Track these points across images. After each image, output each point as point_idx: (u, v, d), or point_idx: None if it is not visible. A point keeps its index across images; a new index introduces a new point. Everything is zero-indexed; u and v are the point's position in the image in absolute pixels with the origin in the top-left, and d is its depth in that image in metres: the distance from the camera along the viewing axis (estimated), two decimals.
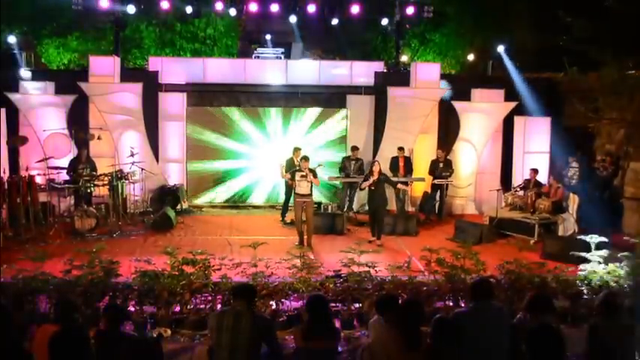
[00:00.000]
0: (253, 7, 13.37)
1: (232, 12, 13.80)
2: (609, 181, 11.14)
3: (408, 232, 10.10)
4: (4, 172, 9.80)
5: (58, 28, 14.44)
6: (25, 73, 12.04)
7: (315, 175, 9.17)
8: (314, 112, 12.66)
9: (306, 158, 9.31)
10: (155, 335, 5.46)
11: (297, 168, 9.37)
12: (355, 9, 13.47)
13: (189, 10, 13.56)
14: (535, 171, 10.77)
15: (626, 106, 10.73)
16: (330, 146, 12.72)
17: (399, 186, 10.40)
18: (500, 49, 13.85)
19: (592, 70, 11.31)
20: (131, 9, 13.00)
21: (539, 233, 9.64)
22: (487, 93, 12.24)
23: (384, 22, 14.05)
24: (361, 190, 9.92)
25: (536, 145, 12.45)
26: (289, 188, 10.19)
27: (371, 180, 9.29)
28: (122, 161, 11.11)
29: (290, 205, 10.58)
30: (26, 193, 9.53)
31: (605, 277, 6.52)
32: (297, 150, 10.64)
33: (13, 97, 11.45)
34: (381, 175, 9.36)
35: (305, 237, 9.14)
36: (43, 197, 10.10)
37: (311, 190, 9.19)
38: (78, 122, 11.52)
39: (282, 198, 11.44)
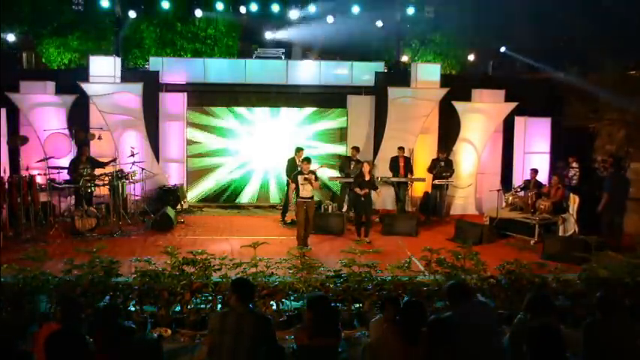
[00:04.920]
0: (254, 7, 13.40)
1: (242, 9, 13.78)
2: None
3: (408, 232, 10.09)
4: (5, 172, 9.80)
5: (59, 28, 14.45)
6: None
7: (316, 178, 9.15)
8: (314, 112, 12.68)
9: (307, 160, 9.25)
10: (155, 335, 5.46)
11: (299, 170, 9.35)
12: (355, 9, 13.50)
13: (198, 14, 13.62)
14: (535, 171, 10.76)
15: (626, 106, 10.73)
16: (330, 147, 12.74)
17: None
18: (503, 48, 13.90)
19: (592, 70, 11.31)
20: (132, 14, 13.07)
21: (539, 233, 9.63)
22: (487, 93, 12.24)
23: (379, 23, 14.06)
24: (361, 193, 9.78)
25: (536, 146, 12.47)
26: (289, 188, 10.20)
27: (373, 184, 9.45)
28: (122, 161, 11.11)
29: (291, 205, 10.58)
30: (27, 193, 9.54)
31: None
32: (299, 150, 10.64)
33: (14, 96, 11.46)
34: (370, 176, 9.46)
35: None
36: (43, 197, 10.10)
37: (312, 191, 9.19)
38: (78, 122, 11.54)
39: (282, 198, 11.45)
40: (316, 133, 12.67)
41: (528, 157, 12.36)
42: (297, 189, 9.13)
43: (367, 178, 9.50)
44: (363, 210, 9.61)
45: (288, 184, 10.42)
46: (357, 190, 9.53)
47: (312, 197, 9.14)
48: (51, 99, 11.70)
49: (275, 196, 12.58)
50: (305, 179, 8.98)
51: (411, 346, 3.89)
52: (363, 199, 9.54)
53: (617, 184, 9.82)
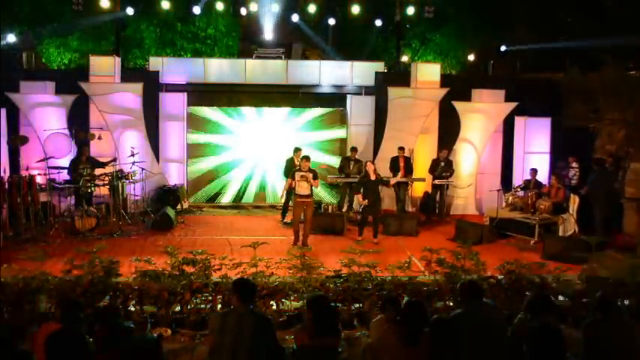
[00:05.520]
0: (254, 7, 13.40)
1: (243, 11, 13.76)
2: None
3: (408, 232, 10.09)
4: (5, 172, 9.80)
5: (59, 28, 14.44)
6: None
7: (315, 177, 9.12)
8: (314, 112, 12.69)
9: (307, 158, 9.22)
10: (155, 335, 5.45)
11: (298, 168, 9.35)
12: (355, 9, 13.51)
13: (196, 10, 13.56)
14: (535, 171, 10.77)
15: (626, 106, 10.73)
16: (330, 146, 12.76)
17: (393, 180, 10.29)
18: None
19: (592, 70, 11.31)
20: (130, 11, 13.07)
21: (539, 234, 9.63)
22: (487, 93, 12.24)
23: (378, 23, 14.09)
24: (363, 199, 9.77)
25: (536, 146, 12.47)
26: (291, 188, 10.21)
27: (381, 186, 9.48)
28: (122, 161, 11.11)
29: (290, 205, 10.59)
30: (27, 193, 9.53)
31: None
32: (297, 150, 10.64)
33: (14, 96, 11.46)
34: (376, 175, 9.41)
35: (301, 237, 9.12)
36: (43, 197, 10.09)
37: (311, 190, 9.15)
38: (78, 122, 11.53)
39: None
40: (317, 134, 12.68)
41: (528, 157, 12.36)
42: (295, 187, 9.13)
43: (372, 177, 9.44)
44: (370, 211, 9.58)
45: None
46: (360, 198, 9.53)
47: (309, 195, 9.10)
48: (51, 99, 11.70)
49: (274, 196, 12.59)
50: (302, 177, 8.97)
51: (412, 346, 3.89)
52: (361, 206, 9.57)
53: (598, 180, 10.06)
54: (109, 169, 10.41)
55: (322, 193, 12.53)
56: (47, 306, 5.81)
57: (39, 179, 10.16)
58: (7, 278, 5.94)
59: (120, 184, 10.38)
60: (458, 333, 4.00)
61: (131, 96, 11.72)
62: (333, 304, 5.30)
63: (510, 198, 10.85)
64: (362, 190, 9.56)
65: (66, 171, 10.48)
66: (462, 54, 16.29)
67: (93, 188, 10.27)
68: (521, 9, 14.66)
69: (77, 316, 4.10)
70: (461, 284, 4.60)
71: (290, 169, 10.18)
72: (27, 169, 9.91)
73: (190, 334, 5.70)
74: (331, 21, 14.25)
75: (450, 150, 11.80)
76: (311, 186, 9.06)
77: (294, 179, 9.09)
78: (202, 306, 6.05)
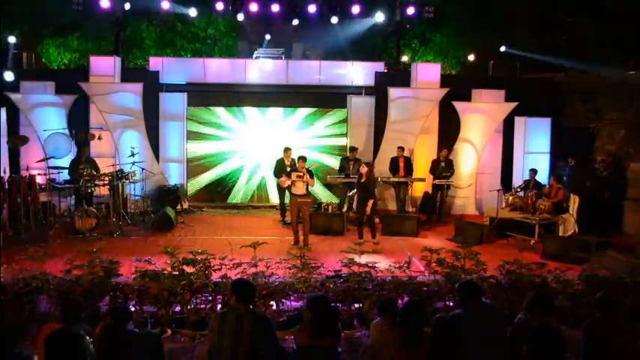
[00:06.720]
0: (254, 8, 13.40)
1: (240, 17, 13.76)
2: (610, 181, 11.13)
3: (408, 232, 10.08)
4: (5, 172, 9.79)
5: (59, 28, 14.45)
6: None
7: (311, 176, 9.15)
8: (314, 112, 12.69)
9: (303, 158, 9.26)
10: (158, 331, 5.45)
11: (294, 168, 9.35)
12: (355, 9, 13.51)
13: (193, 13, 13.52)
14: (534, 171, 10.77)
15: (626, 106, 10.74)
16: (330, 146, 12.76)
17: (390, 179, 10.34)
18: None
19: (592, 70, 11.31)
20: (128, 6, 13.07)
21: (539, 234, 9.62)
22: (487, 93, 12.23)
23: (379, 18, 14.06)
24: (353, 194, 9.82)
25: (536, 146, 12.47)
26: (282, 188, 10.24)
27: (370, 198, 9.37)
28: (122, 161, 11.11)
29: (287, 204, 10.59)
30: (27, 193, 9.54)
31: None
32: (287, 150, 10.61)
33: (14, 96, 11.46)
34: (369, 176, 9.40)
35: (301, 237, 9.14)
36: (43, 197, 10.09)
37: (307, 190, 9.17)
38: (78, 122, 11.54)
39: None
40: (317, 134, 12.68)
41: (528, 157, 12.36)
42: (290, 186, 9.17)
43: (363, 180, 9.44)
44: (359, 211, 9.57)
45: (278, 184, 10.44)
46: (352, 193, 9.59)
47: (305, 195, 9.12)
48: (51, 99, 11.70)
49: (274, 196, 12.59)
50: (298, 177, 9.01)
51: (411, 347, 3.89)
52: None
53: (573, 176, 10.51)
54: (108, 170, 10.41)
55: (319, 191, 12.53)
56: (47, 306, 5.82)
57: (39, 179, 10.16)
58: (7, 278, 5.95)
59: (120, 184, 10.37)
60: (459, 333, 4.00)
61: (131, 96, 11.73)
62: (333, 304, 5.31)
63: (510, 198, 10.83)
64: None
65: (66, 171, 10.48)
66: (462, 54, 16.30)
67: (93, 188, 10.27)
68: (521, 9, 14.66)
69: (77, 316, 4.11)
70: (458, 285, 4.60)
71: (280, 169, 10.20)
72: (27, 169, 9.90)
73: (190, 334, 5.71)
74: (332, 20, 14.23)
75: (450, 150, 11.80)
76: (307, 186, 9.09)
77: (289, 178, 9.13)
78: (202, 306, 6.05)
